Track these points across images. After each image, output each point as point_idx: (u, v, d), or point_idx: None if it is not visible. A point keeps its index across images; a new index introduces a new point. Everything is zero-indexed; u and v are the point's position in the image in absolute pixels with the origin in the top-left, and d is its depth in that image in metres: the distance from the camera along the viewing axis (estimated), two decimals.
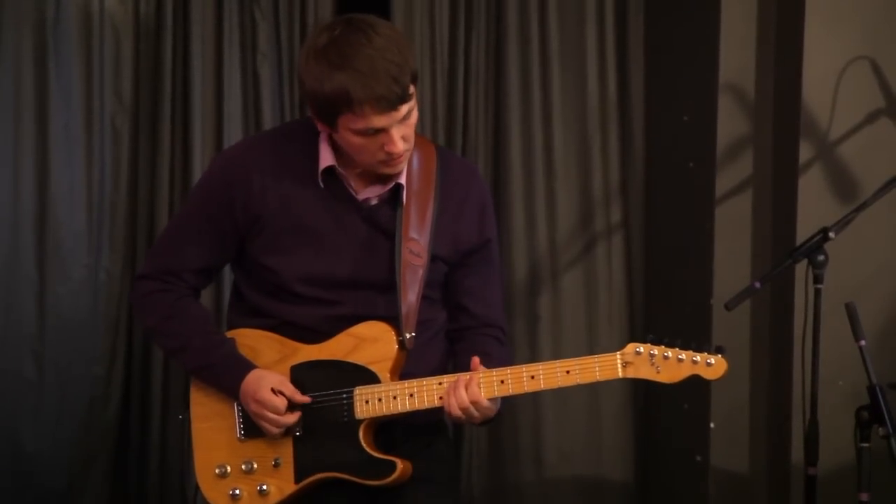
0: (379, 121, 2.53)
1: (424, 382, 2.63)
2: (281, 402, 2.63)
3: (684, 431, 4.39)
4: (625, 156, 4.63)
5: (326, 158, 2.67)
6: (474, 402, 2.58)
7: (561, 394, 4.46)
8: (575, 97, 4.59)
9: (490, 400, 2.60)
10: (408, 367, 2.67)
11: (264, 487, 2.68)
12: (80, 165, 4.26)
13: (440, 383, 2.62)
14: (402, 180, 2.68)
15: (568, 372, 2.57)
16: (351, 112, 2.52)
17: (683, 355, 2.55)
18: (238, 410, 2.71)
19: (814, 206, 4.03)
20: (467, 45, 4.49)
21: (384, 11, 4.48)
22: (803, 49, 4.05)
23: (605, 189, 4.61)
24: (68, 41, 4.23)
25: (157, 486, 4.28)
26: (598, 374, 2.57)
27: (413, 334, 2.65)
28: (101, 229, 4.28)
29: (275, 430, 2.66)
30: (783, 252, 3.77)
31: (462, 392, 2.57)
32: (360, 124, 2.53)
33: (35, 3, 4.20)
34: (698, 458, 4.30)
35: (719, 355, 2.55)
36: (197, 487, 2.77)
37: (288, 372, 2.68)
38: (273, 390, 2.64)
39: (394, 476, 2.62)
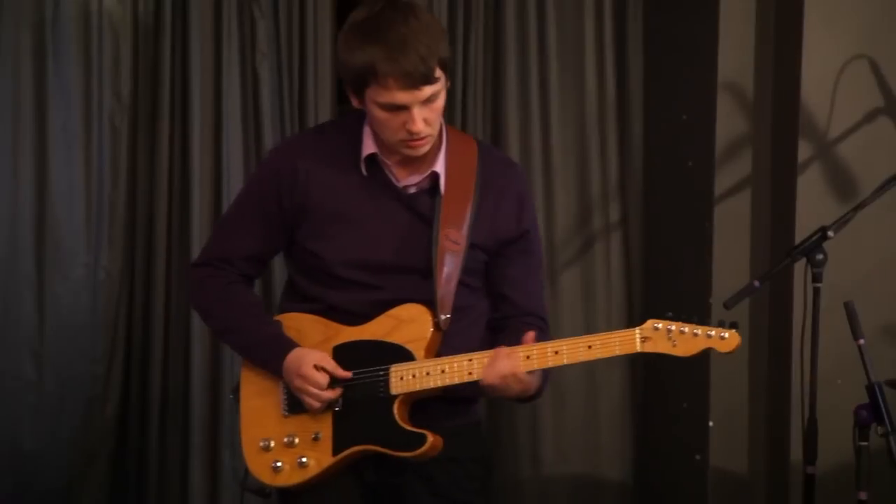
0: (402, 97, 2.64)
1: (455, 359, 2.73)
2: (323, 378, 2.76)
3: (683, 430, 4.39)
4: (623, 155, 4.63)
5: (369, 146, 2.79)
6: (512, 374, 2.68)
7: (559, 392, 4.47)
8: (573, 96, 4.59)
9: (531, 375, 2.71)
10: (443, 350, 2.78)
11: (304, 460, 2.79)
12: (78, 164, 4.25)
13: (470, 360, 2.72)
14: (438, 168, 2.79)
15: (590, 347, 2.68)
16: (376, 83, 2.63)
17: (699, 330, 2.66)
18: (283, 388, 2.84)
19: (812, 205, 4.03)
20: (465, 44, 4.48)
21: None
22: (802, 48, 4.05)
23: (604, 188, 4.61)
24: (67, 40, 4.23)
25: (156, 485, 4.28)
26: (617, 348, 2.68)
27: (448, 316, 2.76)
28: (100, 228, 4.27)
29: (316, 405, 2.77)
30: (782, 251, 3.77)
31: (503, 362, 2.68)
32: (383, 97, 2.64)
33: (34, 2, 4.19)
34: (697, 457, 4.31)
35: (733, 329, 2.65)
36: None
37: (331, 351, 2.80)
38: (316, 366, 2.76)
39: (424, 448, 2.73)
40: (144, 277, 4.29)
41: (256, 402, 2.87)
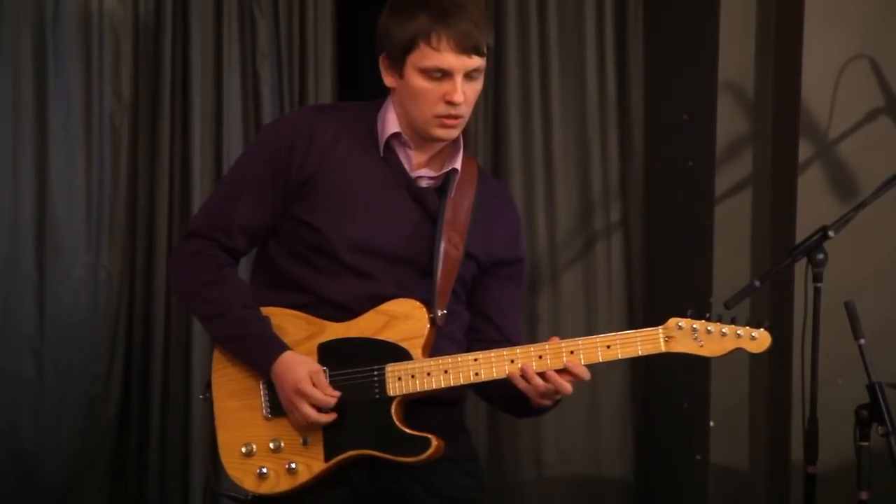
0: (451, 59, 2.58)
1: (459, 358, 2.61)
2: (323, 398, 2.60)
3: (684, 430, 4.39)
4: (624, 155, 4.63)
5: (392, 125, 2.69)
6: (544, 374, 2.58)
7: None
8: (574, 96, 4.59)
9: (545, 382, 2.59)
10: (433, 351, 2.66)
11: (293, 466, 2.64)
12: (79, 164, 4.26)
13: (475, 360, 2.60)
14: (458, 166, 2.73)
15: (608, 347, 2.57)
16: (427, 43, 2.58)
17: (726, 329, 2.55)
18: (264, 388, 2.69)
19: (813, 204, 4.03)
20: None
21: (383, 5, 4.48)
22: (802, 48, 4.05)
23: (605, 188, 4.61)
24: (67, 40, 4.23)
25: (157, 484, 4.28)
26: (639, 348, 2.57)
27: (444, 312, 2.66)
28: (100, 228, 4.28)
29: (303, 423, 2.63)
30: (783, 251, 3.77)
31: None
32: (431, 60, 2.58)
33: (34, 2, 4.19)
34: (698, 457, 4.30)
35: (762, 329, 2.56)
36: (216, 468, 2.74)
37: (315, 350, 2.66)
38: (312, 382, 2.61)
39: (428, 452, 2.60)
40: (145, 277, 4.29)
41: (234, 402, 2.71)
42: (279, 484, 2.66)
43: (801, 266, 3.46)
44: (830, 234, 3.38)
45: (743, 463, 4.30)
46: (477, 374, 2.60)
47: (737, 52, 4.23)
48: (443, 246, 2.68)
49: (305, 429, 2.64)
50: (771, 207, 4.24)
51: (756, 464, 4.30)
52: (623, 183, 4.63)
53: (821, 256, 3.38)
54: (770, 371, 4.20)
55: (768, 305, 4.17)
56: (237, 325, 2.68)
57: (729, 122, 4.24)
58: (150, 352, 4.27)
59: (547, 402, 2.64)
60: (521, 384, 2.59)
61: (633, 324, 4.60)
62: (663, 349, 2.56)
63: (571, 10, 4.57)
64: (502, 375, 2.60)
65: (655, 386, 4.54)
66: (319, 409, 2.62)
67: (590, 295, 4.60)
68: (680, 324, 2.56)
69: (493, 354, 2.61)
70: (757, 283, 3.39)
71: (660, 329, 2.57)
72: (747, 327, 2.55)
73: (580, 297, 4.59)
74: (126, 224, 4.30)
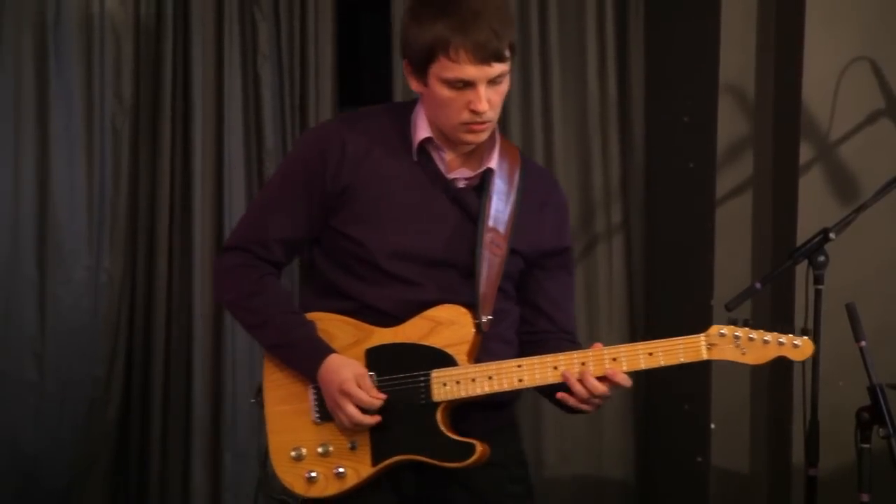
0: (471, 71, 2.55)
1: (504, 365, 2.62)
2: (368, 399, 2.62)
3: (685, 432, 4.39)
4: (625, 156, 4.63)
5: (423, 130, 2.68)
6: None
7: None
8: (575, 98, 4.59)
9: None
10: (481, 354, 2.66)
11: (341, 470, 2.67)
12: (80, 167, 4.27)
13: (519, 366, 2.61)
14: (493, 165, 2.71)
15: (651, 354, 2.57)
16: (446, 56, 2.54)
17: (769, 337, 2.56)
18: (313, 393, 2.71)
19: (814, 206, 4.03)
20: None
21: (384, 10, 4.49)
22: (803, 50, 4.05)
23: (606, 190, 4.61)
24: (69, 42, 4.24)
25: (157, 487, 4.28)
26: (682, 356, 2.56)
27: (490, 318, 2.65)
28: (101, 231, 4.28)
29: (349, 425, 2.65)
30: (784, 253, 3.77)
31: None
32: (451, 72, 2.55)
33: (35, 4, 4.20)
34: (699, 459, 4.30)
35: (805, 337, 2.56)
36: (266, 472, 2.77)
37: (363, 355, 2.67)
38: (358, 384, 2.63)
39: (473, 458, 2.61)
40: (146, 280, 4.30)
41: (284, 407, 2.73)
42: (328, 488, 2.68)
43: (801, 268, 3.46)
44: (831, 236, 3.37)
45: (744, 465, 4.30)
46: (521, 380, 2.61)
47: (738, 54, 4.23)
48: (485, 246, 2.67)
49: (353, 433, 2.66)
50: (772, 209, 4.24)
51: (757, 466, 4.30)
52: (624, 184, 4.63)
53: (822, 258, 3.38)
54: (771, 373, 4.20)
55: (769, 307, 4.17)
56: (280, 332, 2.71)
57: (730, 123, 4.24)
58: (151, 355, 4.28)
59: (587, 408, 2.64)
60: (575, 388, 2.59)
61: (633, 325, 4.61)
62: (705, 356, 2.56)
63: (572, 12, 4.58)
64: (546, 382, 2.61)
65: (657, 388, 4.54)
66: (364, 411, 2.63)
67: (591, 296, 4.60)
68: (722, 331, 2.56)
69: (536, 361, 2.62)
70: (758, 286, 3.39)
71: (702, 336, 2.57)
72: (790, 335, 2.57)
73: (581, 298, 4.59)
74: (127, 226, 4.31)
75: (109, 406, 4.28)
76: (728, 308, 3.38)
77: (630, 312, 4.62)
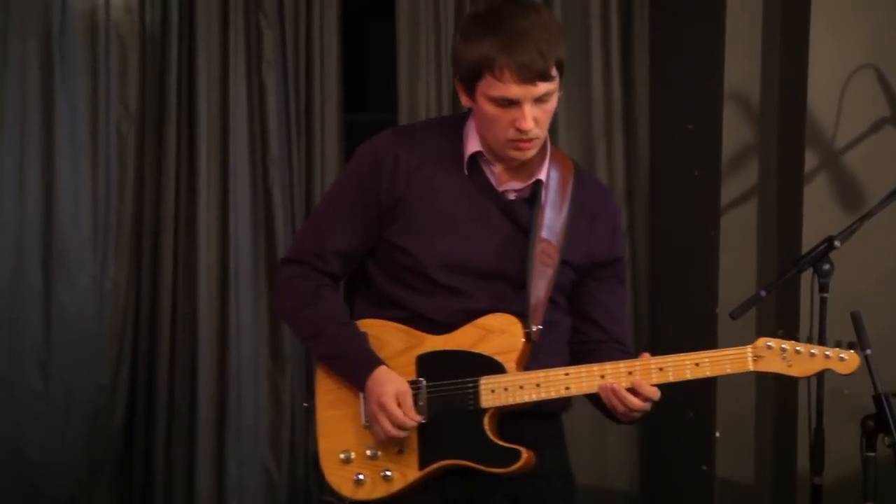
0: (515, 90, 2.58)
1: (551, 373, 2.65)
2: (402, 418, 2.66)
3: (690, 440, 4.38)
4: (630, 164, 4.63)
5: (473, 144, 2.72)
6: (611, 388, 2.63)
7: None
8: (580, 105, 4.59)
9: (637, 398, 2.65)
10: (530, 364, 2.69)
11: (388, 473, 2.71)
12: (85, 174, 4.27)
13: (567, 374, 2.65)
14: (543, 177, 2.73)
15: (697, 364, 2.61)
16: (491, 75, 2.57)
17: (815, 350, 2.57)
18: (363, 399, 2.75)
19: (819, 214, 4.02)
20: None
21: (389, 18, 4.49)
22: (808, 57, 4.05)
23: None
24: (74, 50, 4.25)
25: (161, 495, 4.28)
26: (728, 367, 2.59)
27: (539, 327, 2.68)
28: (106, 238, 4.28)
29: (382, 437, 2.69)
30: (788, 261, 3.76)
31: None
32: (496, 90, 2.58)
33: (41, 12, 4.21)
34: (704, 468, 4.30)
35: (851, 350, 2.58)
36: (319, 476, 2.82)
37: (414, 361, 2.71)
38: (398, 401, 2.67)
39: (518, 465, 2.64)
40: (151, 287, 4.30)
41: (334, 411, 2.78)
42: (375, 490, 2.72)
43: (806, 276, 3.46)
44: (836, 244, 3.37)
45: (749, 473, 4.29)
46: (568, 388, 2.64)
47: (743, 62, 4.23)
48: (536, 257, 2.69)
49: (399, 439, 2.70)
50: (776, 217, 4.24)
51: (762, 474, 4.29)
52: (629, 192, 4.63)
53: (826, 267, 3.38)
54: (776, 381, 4.19)
55: (774, 316, 4.17)
56: (332, 343, 2.76)
57: (735, 131, 4.24)
58: (156, 362, 4.28)
59: (632, 417, 2.70)
60: (610, 401, 2.64)
61: (638, 333, 4.60)
62: (752, 368, 2.59)
63: (577, 19, 4.58)
64: (592, 390, 2.64)
65: (661, 396, 4.53)
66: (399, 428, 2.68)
67: None
68: (769, 343, 2.58)
69: (584, 369, 2.64)
70: (763, 294, 3.38)
71: (748, 348, 2.59)
72: (836, 348, 2.58)
73: None
74: (132, 234, 4.31)
75: (114, 414, 4.28)
76: (732, 317, 3.38)
77: (635, 320, 4.61)
